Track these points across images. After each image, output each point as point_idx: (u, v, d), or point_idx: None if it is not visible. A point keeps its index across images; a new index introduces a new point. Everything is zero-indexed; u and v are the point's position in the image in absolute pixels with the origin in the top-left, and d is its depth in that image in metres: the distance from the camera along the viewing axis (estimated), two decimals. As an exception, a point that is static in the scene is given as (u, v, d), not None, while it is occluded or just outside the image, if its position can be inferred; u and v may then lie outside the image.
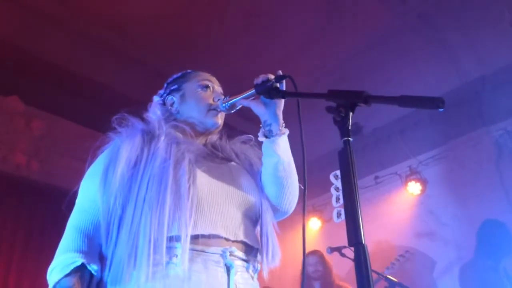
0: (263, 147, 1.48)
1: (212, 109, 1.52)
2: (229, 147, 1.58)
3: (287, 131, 1.46)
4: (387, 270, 3.96)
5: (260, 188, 1.48)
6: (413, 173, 4.94)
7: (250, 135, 1.62)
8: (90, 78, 4.21)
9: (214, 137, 1.59)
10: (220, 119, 1.54)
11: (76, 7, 3.71)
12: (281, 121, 1.46)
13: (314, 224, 5.74)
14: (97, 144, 1.41)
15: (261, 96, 1.43)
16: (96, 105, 4.03)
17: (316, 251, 4.38)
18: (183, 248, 1.22)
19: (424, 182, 4.86)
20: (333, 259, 4.07)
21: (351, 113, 1.02)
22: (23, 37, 3.85)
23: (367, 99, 1.02)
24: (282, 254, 1.43)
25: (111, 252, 1.26)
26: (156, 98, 1.61)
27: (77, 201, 1.38)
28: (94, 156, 1.41)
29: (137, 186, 1.28)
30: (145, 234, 1.20)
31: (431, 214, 4.85)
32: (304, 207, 1.28)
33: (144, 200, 1.25)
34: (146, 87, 1.75)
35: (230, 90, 1.54)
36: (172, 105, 1.56)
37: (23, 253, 3.97)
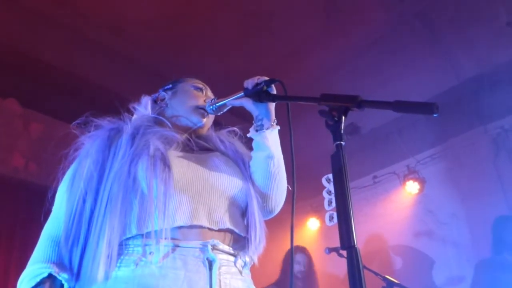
0: (254, 142, 1.46)
1: (200, 108, 1.52)
2: (214, 135, 1.56)
3: (277, 127, 1.45)
4: None
5: (247, 175, 1.44)
6: (411, 173, 4.95)
7: (235, 128, 1.61)
8: (88, 80, 4.20)
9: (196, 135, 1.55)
10: (205, 119, 1.52)
11: (74, 9, 3.71)
12: (273, 117, 1.44)
13: (312, 224, 5.74)
14: (65, 151, 1.39)
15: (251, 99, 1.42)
16: (94, 107, 4.01)
17: (305, 248, 4.33)
18: (157, 244, 1.18)
19: (422, 181, 4.87)
20: (331, 260, 4.07)
21: (343, 117, 1.02)
22: (21, 39, 3.84)
23: (361, 103, 1.03)
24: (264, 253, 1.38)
25: (79, 257, 1.22)
26: (145, 98, 1.61)
27: (52, 209, 1.36)
28: (69, 162, 1.39)
29: (102, 187, 1.26)
30: (103, 236, 1.17)
31: (429, 213, 4.85)
32: (292, 208, 1.27)
33: (107, 201, 1.22)
34: (145, 89, 1.76)
35: (227, 91, 1.55)
36: (162, 100, 1.57)
37: (21, 256, 3.95)
